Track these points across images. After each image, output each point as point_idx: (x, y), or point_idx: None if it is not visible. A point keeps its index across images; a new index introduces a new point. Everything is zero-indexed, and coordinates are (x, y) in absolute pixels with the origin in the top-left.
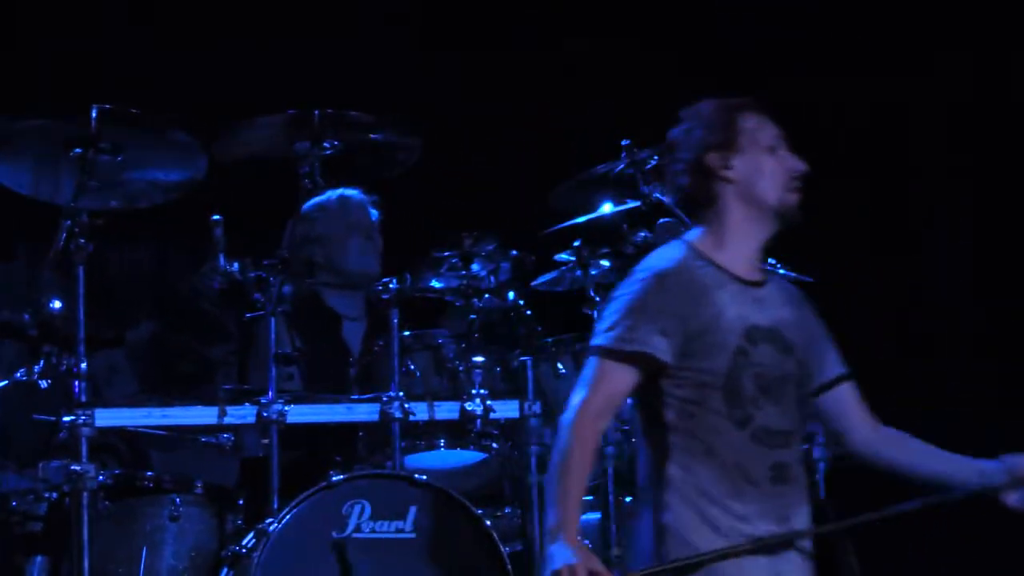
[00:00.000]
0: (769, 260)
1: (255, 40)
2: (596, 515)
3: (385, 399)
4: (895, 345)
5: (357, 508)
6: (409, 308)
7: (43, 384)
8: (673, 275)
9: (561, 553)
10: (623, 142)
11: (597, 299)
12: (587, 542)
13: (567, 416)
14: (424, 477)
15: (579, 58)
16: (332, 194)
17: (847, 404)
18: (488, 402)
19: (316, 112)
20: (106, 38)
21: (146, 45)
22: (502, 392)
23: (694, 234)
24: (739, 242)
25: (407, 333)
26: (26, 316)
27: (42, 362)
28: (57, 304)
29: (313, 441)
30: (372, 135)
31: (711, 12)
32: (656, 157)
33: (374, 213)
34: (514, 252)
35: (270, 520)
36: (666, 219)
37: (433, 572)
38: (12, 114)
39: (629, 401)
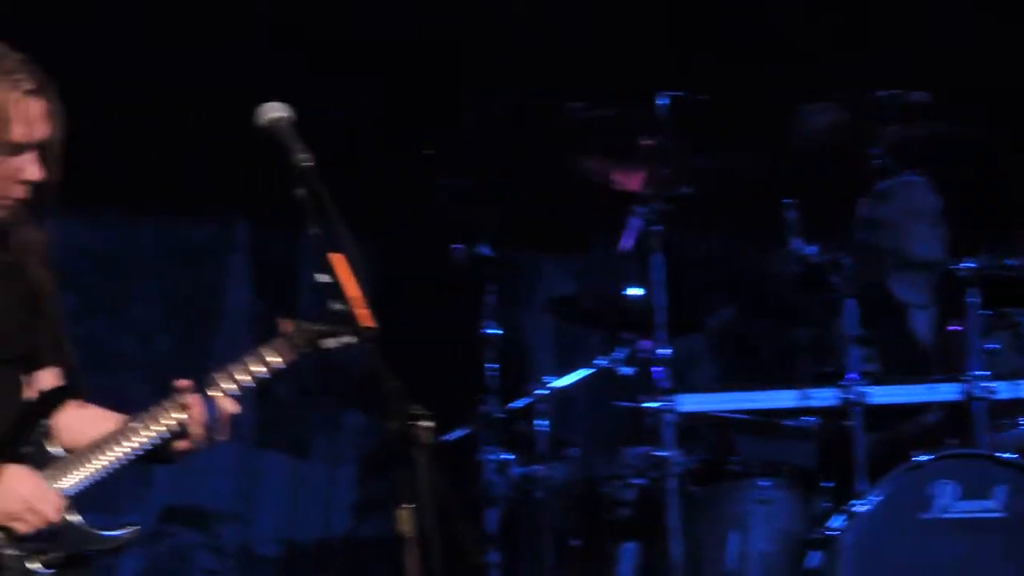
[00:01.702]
0: None
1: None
2: None
3: (965, 378)
4: None
5: (944, 488)
6: (987, 287)
7: (625, 371)
8: None
9: None
10: None
11: None
12: None
13: None
14: (1012, 456)
15: None
16: (896, 179)
17: None
18: None
19: (881, 94)
20: None
21: None
22: None
23: None
24: None
25: (987, 312)
26: (606, 304)
27: (623, 349)
28: (635, 291)
29: (890, 423)
30: (935, 120)
31: None
32: None
33: (936, 199)
34: None
35: (857, 502)
36: None
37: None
38: (587, 105)
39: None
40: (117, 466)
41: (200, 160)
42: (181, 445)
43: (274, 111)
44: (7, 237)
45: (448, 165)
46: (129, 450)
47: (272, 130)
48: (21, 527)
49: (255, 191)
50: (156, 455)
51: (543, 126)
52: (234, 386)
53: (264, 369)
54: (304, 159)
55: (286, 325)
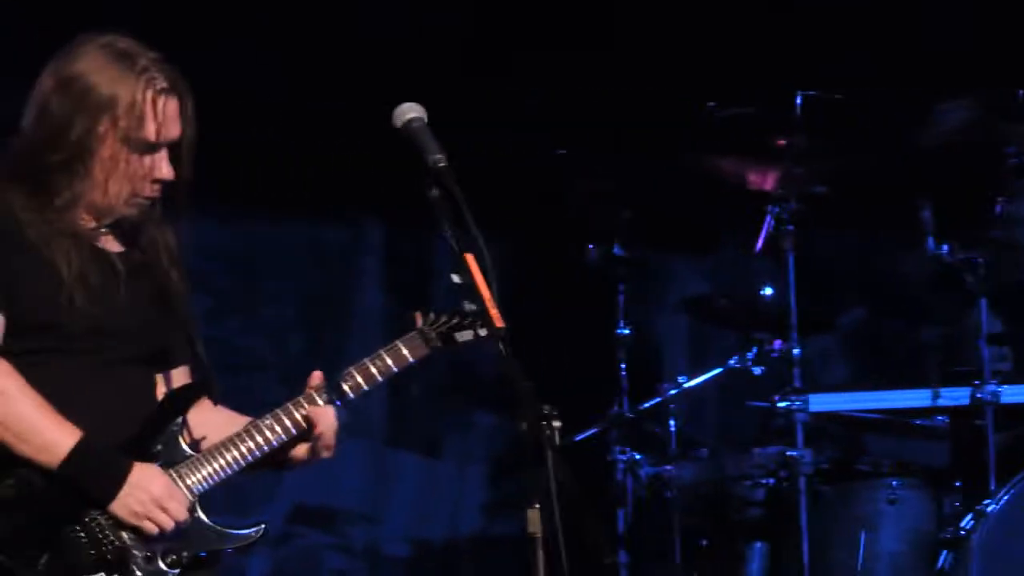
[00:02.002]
0: None
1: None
2: None
3: None
4: None
5: None
6: None
7: (756, 371)
8: None
9: None
10: None
11: None
12: None
13: None
14: None
15: None
16: None
17: None
18: None
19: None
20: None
21: None
22: None
23: None
24: None
25: None
26: (738, 304)
27: (755, 349)
28: (768, 291)
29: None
30: None
31: None
32: None
33: None
34: None
35: (988, 501)
36: None
37: None
38: (720, 104)
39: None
40: (243, 465)
41: (334, 161)
42: (299, 452)
43: (409, 112)
44: (138, 235)
45: (581, 165)
46: (255, 449)
47: (407, 131)
48: (149, 526)
49: (389, 192)
50: (277, 460)
51: (678, 125)
52: (366, 381)
53: (397, 364)
54: (438, 160)
55: (419, 319)
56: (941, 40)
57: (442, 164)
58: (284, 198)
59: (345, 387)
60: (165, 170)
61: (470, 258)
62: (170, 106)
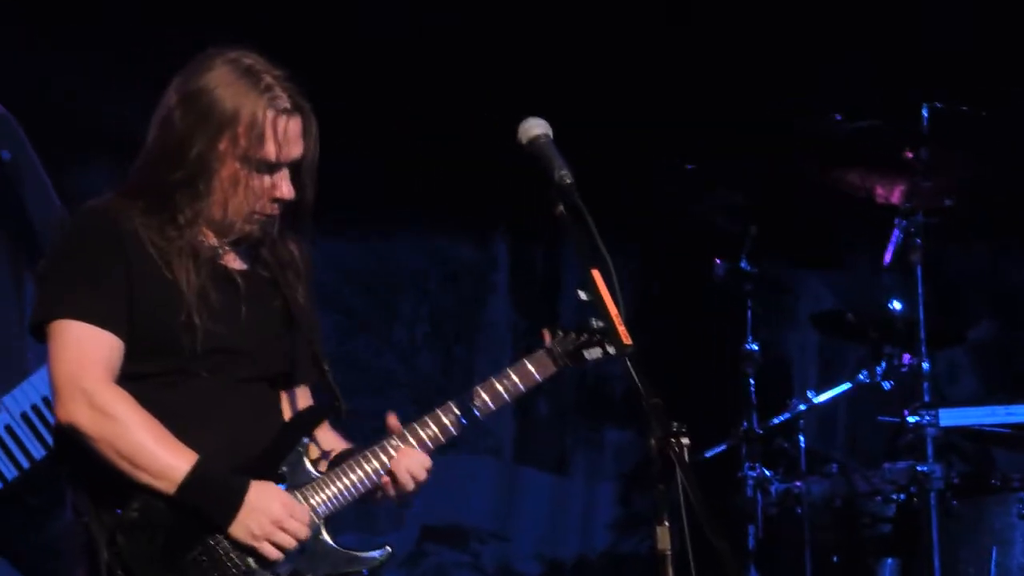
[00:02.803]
0: None
1: None
2: None
3: None
4: None
5: None
6: None
7: (886, 385)
8: None
9: None
10: None
11: None
12: None
13: None
14: None
15: None
16: None
17: None
18: None
19: None
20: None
21: None
22: None
23: None
24: None
25: None
26: (867, 319)
27: (884, 363)
28: (897, 305)
29: None
30: None
31: None
32: None
33: None
34: None
35: None
36: None
37: None
38: (847, 117)
39: None
40: (367, 486)
41: (462, 179)
42: (383, 491)
43: (535, 128)
44: (262, 252)
45: (709, 180)
46: (380, 469)
47: (533, 147)
48: (268, 549)
49: (516, 208)
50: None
51: (805, 139)
52: (493, 401)
53: (524, 383)
54: (565, 176)
55: (547, 337)
56: None
57: (568, 180)
58: (414, 217)
59: (473, 407)
60: (285, 190)
61: (597, 274)
62: (292, 126)
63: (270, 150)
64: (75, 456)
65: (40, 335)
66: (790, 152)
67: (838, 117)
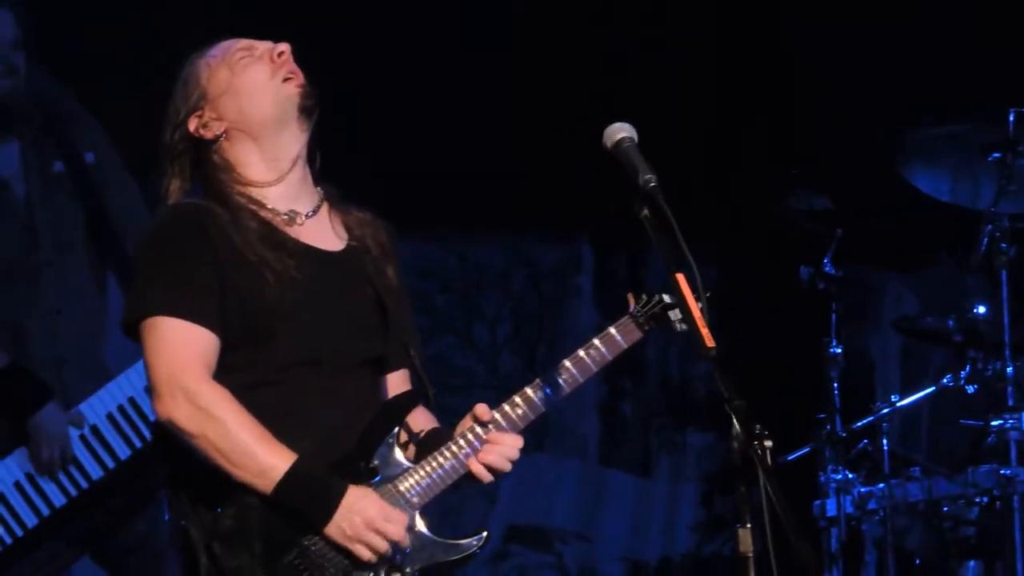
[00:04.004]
0: None
1: None
2: None
3: None
4: None
5: None
6: None
7: (970, 389)
8: None
9: None
10: None
11: None
12: None
13: None
14: None
15: None
16: None
17: None
18: None
19: None
20: None
21: None
22: None
23: None
24: None
25: None
26: (951, 322)
27: (968, 367)
28: (982, 309)
29: None
30: None
31: None
32: None
33: None
34: None
35: None
36: None
37: None
38: (933, 121)
39: None
40: (455, 475)
41: (547, 182)
42: (476, 475)
43: (620, 132)
44: (343, 231)
45: (794, 183)
46: (460, 458)
47: (618, 151)
48: (362, 550)
49: (600, 211)
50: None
51: (890, 142)
52: (581, 373)
53: (611, 351)
54: (650, 179)
55: (631, 302)
56: None
57: (653, 184)
58: (498, 218)
59: (560, 381)
60: (281, 46)
61: (681, 278)
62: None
63: (242, 44)
64: (174, 455)
65: (133, 334)
66: (876, 155)
67: (925, 120)
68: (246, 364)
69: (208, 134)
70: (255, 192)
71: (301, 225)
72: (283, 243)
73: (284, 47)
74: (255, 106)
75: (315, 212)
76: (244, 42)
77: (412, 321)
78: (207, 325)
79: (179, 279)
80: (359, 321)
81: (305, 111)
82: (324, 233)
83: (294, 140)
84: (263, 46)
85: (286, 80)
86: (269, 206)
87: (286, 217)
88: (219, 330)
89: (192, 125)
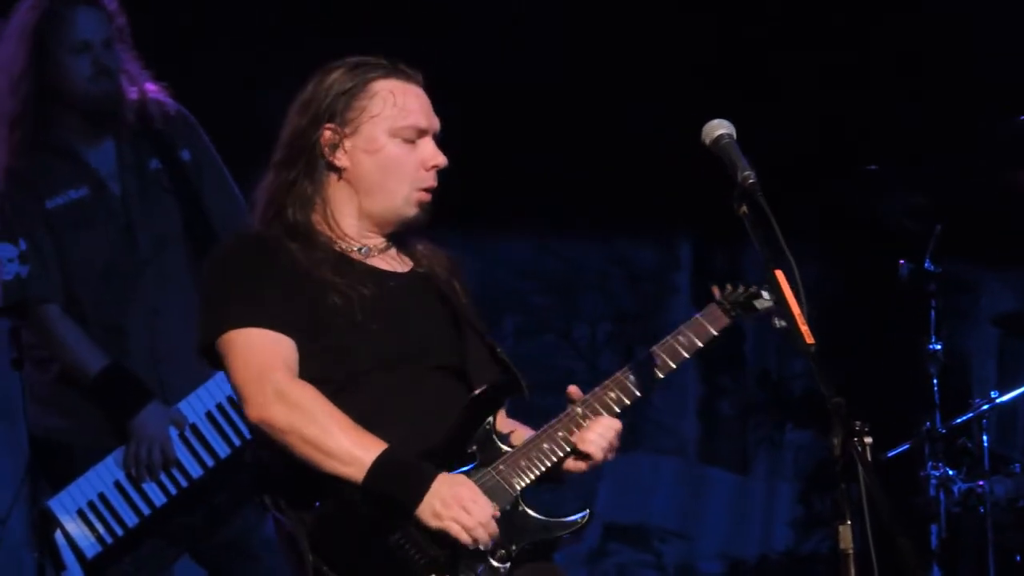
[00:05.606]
0: None
1: None
2: None
3: None
4: None
5: None
6: None
7: None
8: None
9: None
10: None
11: None
12: None
13: None
14: None
15: None
16: None
17: None
18: None
19: None
20: None
21: None
22: None
23: None
24: None
25: None
26: None
27: None
28: None
29: None
30: None
31: None
32: None
33: None
34: None
35: None
36: None
37: None
38: None
39: None
40: (555, 459)
41: (646, 179)
42: (573, 464)
43: (719, 128)
44: (410, 257)
45: (895, 180)
46: (569, 436)
47: (716, 147)
48: (453, 527)
49: (699, 209)
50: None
51: (986, 139)
52: (672, 359)
53: (700, 338)
54: (748, 176)
55: (716, 291)
56: None
57: (751, 181)
58: (595, 216)
59: (651, 367)
60: (439, 157)
61: (780, 275)
62: (427, 99)
63: (420, 118)
64: (270, 456)
65: (210, 355)
66: (974, 152)
67: (1022, 117)
68: (322, 375)
69: (328, 154)
70: (335, 229)
71: (371, 256)
72: (351, 266)
73: (442, 162)
74: (385, 185)
75: (387, 248)
76: (423, 108)
77: (488, 330)
78: (284, 331)
79: (251, 294)
80: (430, 329)
81: (417, 220)
82: (390, 261)
83: (389, 227)
84: (429, 137)
85: (423, 190)
86: (344, 244)
87: (358, 250)
88: (295, 336)
89: (327, 135)
